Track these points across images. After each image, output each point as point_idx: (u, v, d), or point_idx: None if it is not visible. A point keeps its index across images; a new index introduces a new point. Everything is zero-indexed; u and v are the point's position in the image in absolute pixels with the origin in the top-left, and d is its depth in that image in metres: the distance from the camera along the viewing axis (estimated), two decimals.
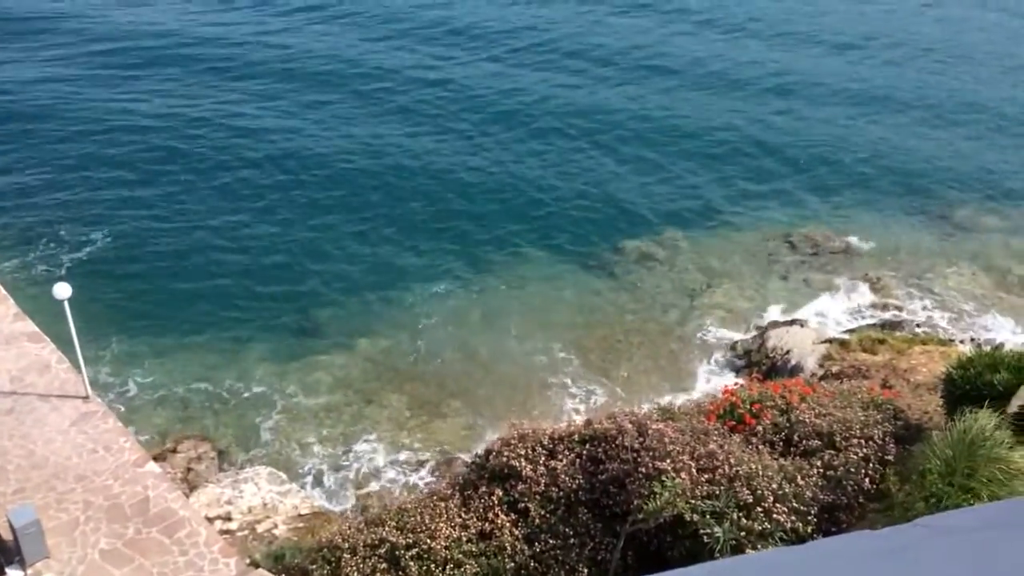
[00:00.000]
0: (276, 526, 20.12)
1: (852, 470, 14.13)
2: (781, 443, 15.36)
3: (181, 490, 19.92)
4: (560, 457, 15.91)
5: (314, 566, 16.19)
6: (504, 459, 16.09)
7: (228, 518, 20.18)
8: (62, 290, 19.01)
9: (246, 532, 19.76)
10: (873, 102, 44.62)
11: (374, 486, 23.46)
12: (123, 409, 24.20)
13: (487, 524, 15.61)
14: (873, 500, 13.99)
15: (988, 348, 17.54)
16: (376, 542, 15.73)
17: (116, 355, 27.24)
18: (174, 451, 23.33)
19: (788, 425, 15.55)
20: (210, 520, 19.23)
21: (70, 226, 32.82)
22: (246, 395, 26.38)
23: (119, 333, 28.10)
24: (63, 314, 19.29)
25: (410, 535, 15.55)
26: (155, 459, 20.80)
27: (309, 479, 23.69)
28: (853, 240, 34.12)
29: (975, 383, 14.76)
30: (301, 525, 20.15)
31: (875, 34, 52.66)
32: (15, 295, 24.56)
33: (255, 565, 17.31)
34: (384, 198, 35.64)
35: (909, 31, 53.32)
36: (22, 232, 32.44)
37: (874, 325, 28.80)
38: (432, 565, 15.12)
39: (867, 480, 14.02)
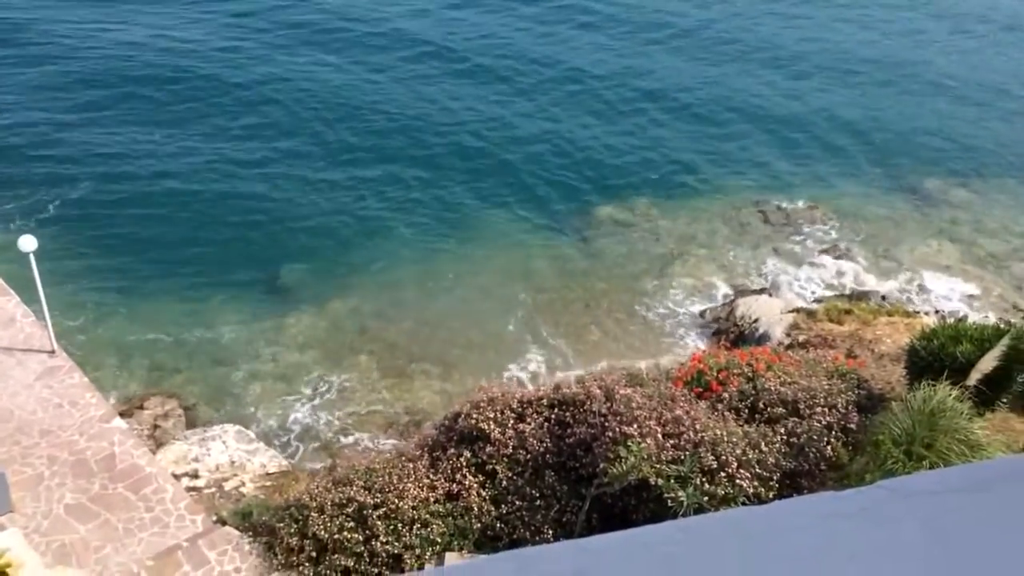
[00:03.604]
0: (243, 484, 20.13)
1: (815, 437, 14.37)
2: (746, 410, 15.59)
3: (148, 447, 19.87)
4: (528, 420, 16.04)
5: (281, 524, 16.28)
6: (473, 421, 16.20)
7: (195, 475, 20.15)
8: (27, 243, 18.75)
9: (213, 490, 19.75)
10: (848, 73, 44.77)
11: (342, 446, 23.52)
12: (90, 364, 23.95)
13: (455, 485, 15.75)
14: (834, 468, 14.24)
15: (951, 320, 17.80)
16: (344, 501, 15.83)
17: (84, 309, 26.92)
18: (141, 407, 23.17)
19: (754, 392, 15.76)
20: (177, 477, 19.20)
21: (38, 177, 32.22)
22: (215, 353, 26.24)
23: (87, 287, 27.77)
24: (29, 267, 19.05)
25: (378, 495, 15.66)
26: (122, 415, 20.71)
27: (277, 438, 23.68)
28: (823, 211, 34.37)
29: (938, 354, 15.01)
30: (269, 483, 20.19)
31: (857, 7, 52.70)
32: None
33: (222, 522, 17.35)
34: (356, 156, 35.36)
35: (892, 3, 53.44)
36: None
37: (841, 295, 29.13)
38: (399, 524, 15.26)
39: (829, 448, 14.26)
